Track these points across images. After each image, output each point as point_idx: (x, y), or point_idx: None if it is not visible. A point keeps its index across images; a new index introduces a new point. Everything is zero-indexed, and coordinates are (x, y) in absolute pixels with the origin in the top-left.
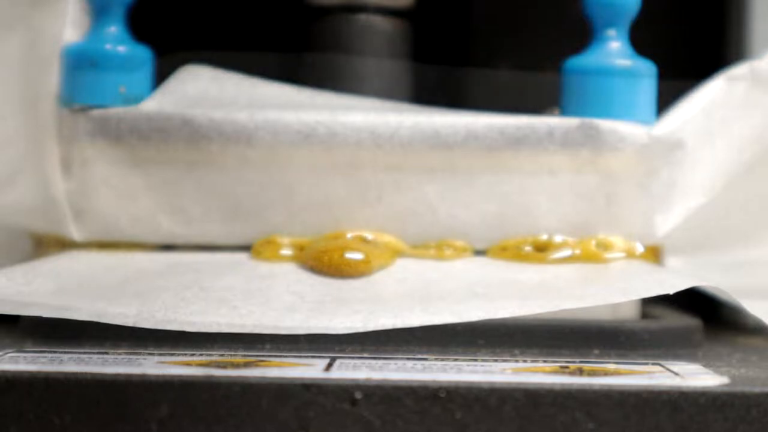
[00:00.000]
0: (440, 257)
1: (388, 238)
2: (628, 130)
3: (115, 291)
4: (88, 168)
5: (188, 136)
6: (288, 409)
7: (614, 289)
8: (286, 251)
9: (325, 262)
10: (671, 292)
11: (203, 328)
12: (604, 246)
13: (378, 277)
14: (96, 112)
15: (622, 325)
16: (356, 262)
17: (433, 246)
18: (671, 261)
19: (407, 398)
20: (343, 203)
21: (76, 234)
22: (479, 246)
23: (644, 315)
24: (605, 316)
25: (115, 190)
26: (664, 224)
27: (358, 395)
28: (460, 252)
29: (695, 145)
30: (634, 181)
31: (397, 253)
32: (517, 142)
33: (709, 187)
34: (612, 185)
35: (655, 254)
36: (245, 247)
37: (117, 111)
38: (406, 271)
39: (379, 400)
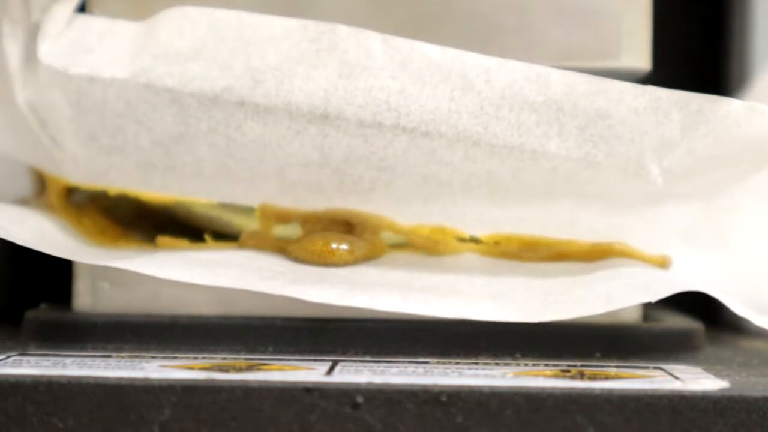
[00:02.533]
0: (431, 252)
1: (379, 222)
2: None
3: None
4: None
5: (176, 113)
6: (289, 413)
7: (597, 297)
8: (272, 243)
9: (308, 249)
10: (654, 299)
11: (177, 277)
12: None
13: (362, 267)
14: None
15: (624, 328)
16: (341, 250)
17: (424, 237)
18: None
19: (408, 402)
20: (335, 190)
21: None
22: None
23: (646, 318)
24: (606, 319)
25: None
26: None
27: (360, 399)
28: (451, 247)
29: None
30: None
31: (384, 250)
32: None
33: None
34: None
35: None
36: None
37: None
38: (392, 263)
39: (380, 403)
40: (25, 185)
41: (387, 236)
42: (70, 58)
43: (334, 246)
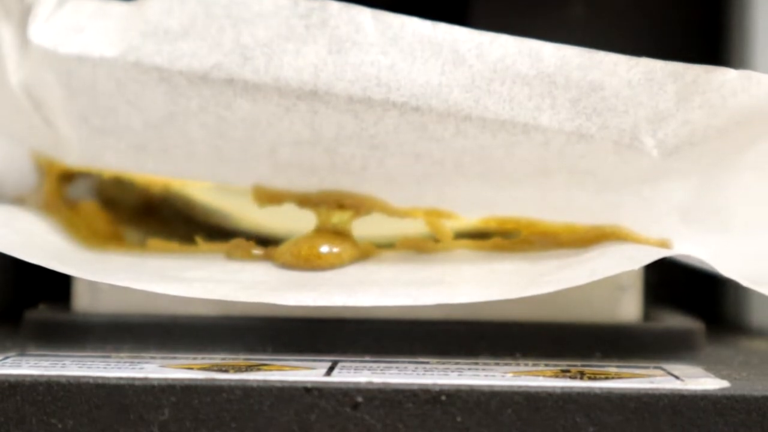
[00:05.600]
0: (422, 251)
1: (372, 204)
2: None
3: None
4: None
5: (166, 92)
6: (289, 413)
7: (582, 271)
8: (258, 251)
9: (294, 253)
10: (637, 266)
11: (151, 288)
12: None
13: (349, 268)
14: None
15: (624, 327)
16: (327, 254)
17: (414, 239)
18: None
19: (408, 402)
20: (327, 170)
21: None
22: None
23: (646, 317)
24: (607, 318)
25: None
26: None
27: (360, 399)
28: (442, 245)
29: None
30: None
31: (373, 252)
32: None
33: None
34: None
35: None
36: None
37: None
38: (380, 262)
39: (380, 403)
40: (25, 181)
41: (377, 237)
42: (60, 38)
43: (321, 250)
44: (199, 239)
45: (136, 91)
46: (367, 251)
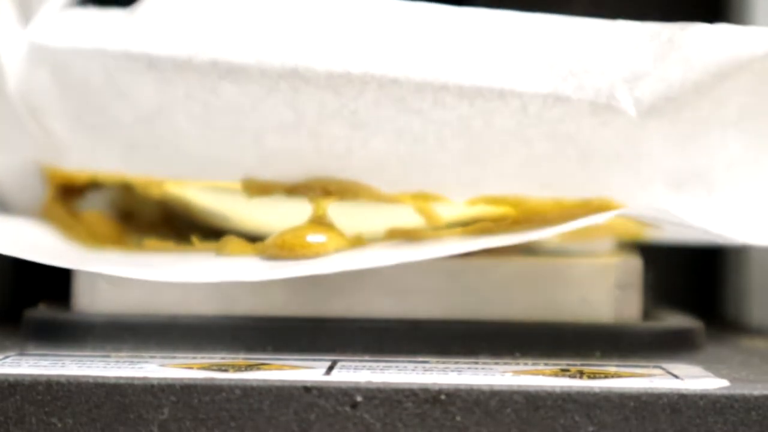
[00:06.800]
0: (412, 238)
1: (358, 189)
2: None
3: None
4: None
5: (154, 80)
6: (289, 412)
7: (568, 225)
8: (246, 246)
9: (278, 244)
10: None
11: (133, 275)
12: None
13: (336, 255)
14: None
15: (623, 327)
16: (312, 243)
17: (404, 230)
18: None
19: (408, 401)
20: (313, 156)
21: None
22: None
23: (645, 316)
24: (606, 318)
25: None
26: None
27: (359, 398)
28: (432, 233)
29: None
30: None
31: (362, 242)
32: None
33: None
34: None
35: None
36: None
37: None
38: (368, 249)
39: (379, 402)
40: (32, 195)
41: (366, 232)
42: (55, 33)
43: (307, 239)
44: (194, 239)
45: (127, 81)
46: (355, 241)
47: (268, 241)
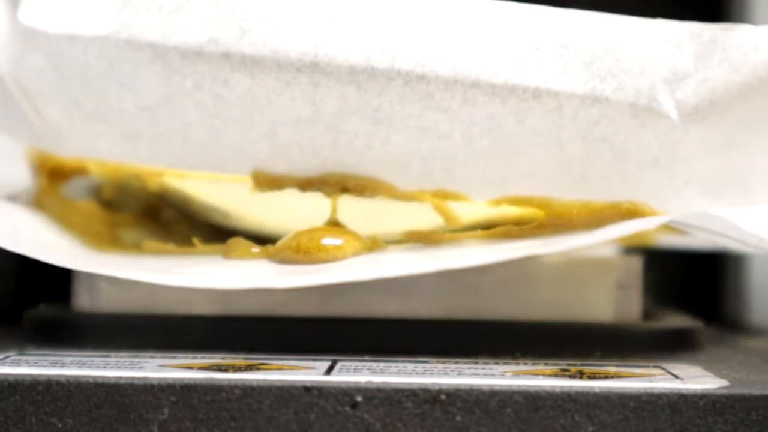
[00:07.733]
0: (430, 242)
1: (377, 186)
2: None
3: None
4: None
5: (159, 71)
6: (289, 412)
7: (591, 237)
8: (256, 249)
9: (293, 247)
10: (652, 226)
11: (144, 278)
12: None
13: (352, 259)
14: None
15: (623, 327)
16: (328, 246)
17: (420, 233)
18: None
19: (408, 401)
20: (330, 150)
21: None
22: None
23: (646, 316)
24: (606, 318)
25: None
26: None
27: (359, 398)
28: (450, 236)
29: None
30: None
31: (379, 245)
32: None
33: None
34: None
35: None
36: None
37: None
38: (385, 253)
39: (379, 403)
40: (17, 179)
41: (384, 234)
42: (50, 18)
43: (323, 242)
44: (196, 240)
45: (129, 71)
46: (372, 244)
47: (280, 244)
